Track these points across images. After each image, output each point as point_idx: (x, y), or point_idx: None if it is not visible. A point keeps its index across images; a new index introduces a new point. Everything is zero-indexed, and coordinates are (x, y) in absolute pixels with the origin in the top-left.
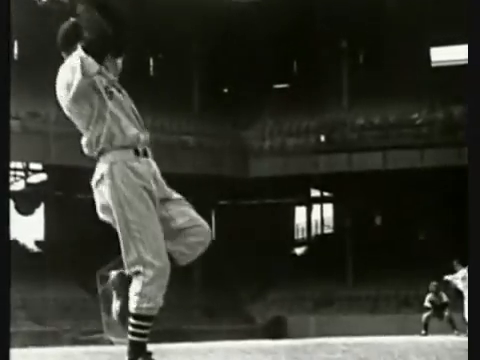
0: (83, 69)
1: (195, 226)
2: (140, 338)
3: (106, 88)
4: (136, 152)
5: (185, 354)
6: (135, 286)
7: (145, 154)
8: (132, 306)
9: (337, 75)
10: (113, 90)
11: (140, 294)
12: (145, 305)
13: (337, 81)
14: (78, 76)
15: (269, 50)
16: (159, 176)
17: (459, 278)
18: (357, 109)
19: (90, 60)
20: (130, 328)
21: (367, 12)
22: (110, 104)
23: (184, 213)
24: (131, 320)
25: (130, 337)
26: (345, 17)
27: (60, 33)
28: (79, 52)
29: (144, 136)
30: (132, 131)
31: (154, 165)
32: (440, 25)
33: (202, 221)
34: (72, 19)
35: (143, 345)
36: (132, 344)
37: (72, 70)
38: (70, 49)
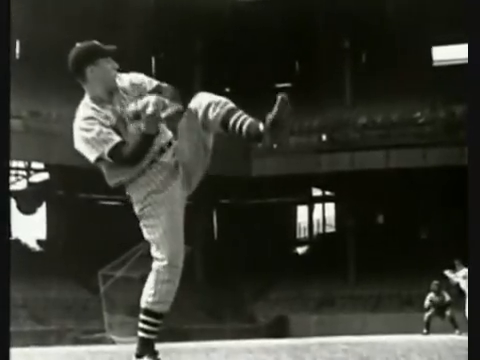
0: (96, 160)
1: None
2: (146, 334)
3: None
4: (142, 171)
5: (187, 353)
6: (147, 281)
7: (153, 161)
8: (142, 300)
9: (339, 74)
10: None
11: (148, 287)
12: (151, 299)
13: (339, 80)
14: (91, 158)
15: (271, 49)
16: (173, 156)
17: (460, 277)
18: (359, 108)
19: (110, 161)
20: (139, 324)
21: (369, 11)
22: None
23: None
24: (141, 315)
25: (138, 333)
26: (348, 16)
27: (69, 59)
28: (103, 152)
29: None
30: (132, 170)
31: (168, 155)
32: (442, 25)
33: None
34: (78, 44)
35: (150, 342)
36: (139, 340)
37: (88, 141)
38: (81, 74)
